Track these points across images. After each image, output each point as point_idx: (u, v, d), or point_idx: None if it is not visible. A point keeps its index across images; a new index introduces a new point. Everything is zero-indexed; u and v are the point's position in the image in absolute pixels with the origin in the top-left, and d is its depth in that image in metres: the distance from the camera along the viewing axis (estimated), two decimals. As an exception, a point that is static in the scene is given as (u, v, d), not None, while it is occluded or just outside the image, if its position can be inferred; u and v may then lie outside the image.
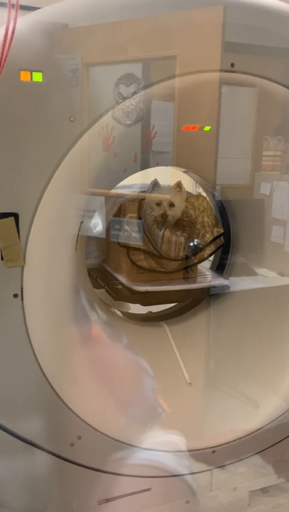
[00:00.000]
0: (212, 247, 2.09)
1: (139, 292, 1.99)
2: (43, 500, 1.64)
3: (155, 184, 1.98)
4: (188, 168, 2.01)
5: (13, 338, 1.48)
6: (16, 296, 1.45)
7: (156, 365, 1.84)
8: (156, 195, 1.97)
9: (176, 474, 1.79)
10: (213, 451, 1.84)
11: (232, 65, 1.53)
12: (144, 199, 2.00)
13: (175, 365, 1.98)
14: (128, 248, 2.00)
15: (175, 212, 1.99)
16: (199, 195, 2.10)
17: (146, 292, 2.00)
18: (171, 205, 1.96)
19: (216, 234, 2.07)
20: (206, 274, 2.20)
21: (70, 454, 1.62)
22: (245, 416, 1.90)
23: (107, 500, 1.71)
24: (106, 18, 1.39)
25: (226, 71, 1.53)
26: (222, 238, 2.10)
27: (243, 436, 1.86)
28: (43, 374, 1.53)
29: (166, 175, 1.99)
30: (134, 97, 1.46)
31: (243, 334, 2.03)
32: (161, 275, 2.05)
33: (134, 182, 2.03)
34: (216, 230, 2.07)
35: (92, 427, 1.63)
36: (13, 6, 1.18)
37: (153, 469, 1.75)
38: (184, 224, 2.04)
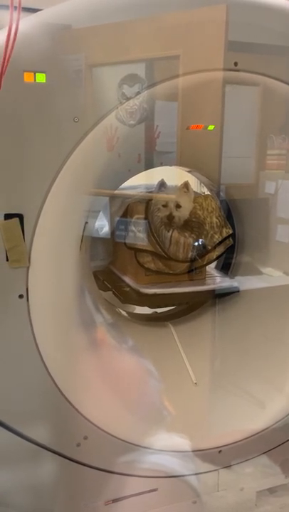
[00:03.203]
0: (221, 248, 2.07)
1: (147, 295, 1.98)
2: (49, 501, 1.64)
3: (162, 185, 1.97)
4: (193, 167, 2.00)
5: (18, 339, 1.48)
6: (21, 296, 1.45)
7: (162, 365, 1.84)
8: (162, 196, 1.96)
9: (182, 474, 1.79)
10: (220, 451, 1.83)
11: (235, 63, 1.53)
12: (151, 200, 2.00)
13: (181, 365, 1.98)
14: (135, 250, 2.00)
15: (182, 214, 1.98)
16: (207, 196, 2.09)
17: (155, 294, 1.99)
18: (178, 206, 1.96)
19: (224, 235, 2.05)
20: (214, 276, 2.19)
21: (77, 454, 1.62)
22: (252, 415, 1.89)
23: (114, 501, 1.71)
24: (109, 19, 1.39)
25: (230, 70, 1.53)
26: (231, 239, 2.09)
27: (250, 436, 1.85)
28: (48, 374, 1.53)
29: (171, 175, 1.99)
30: (137, 97, 1.46)
31: (249, 334, 2.02)
32: (170, 277, 2.04)
33: (140, 182, 2.03)
34: (224, 230, 2.06)
35: (99, 428, 1.63)
36: (15, 7, 1.19)
37: (159, 469, 1.75)
38: (192, 225, 2.03)
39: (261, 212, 2.04)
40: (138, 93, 1.45)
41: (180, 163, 1.93)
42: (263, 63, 1.56)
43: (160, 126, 1.65)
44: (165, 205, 1.95)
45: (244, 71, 1.55)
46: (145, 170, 1.78)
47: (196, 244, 2.01)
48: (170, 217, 1.95)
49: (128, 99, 1.45)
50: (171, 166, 1.92)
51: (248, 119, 1.77)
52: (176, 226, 1.98)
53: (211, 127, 1.70)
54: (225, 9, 1.45)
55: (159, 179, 1.96)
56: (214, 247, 2.05)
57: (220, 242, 2.06)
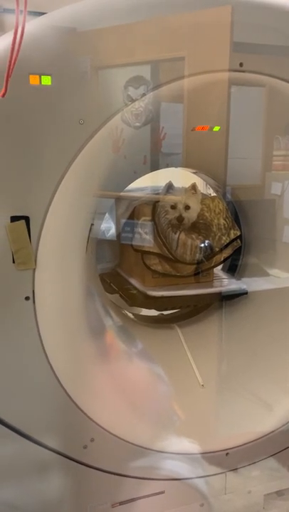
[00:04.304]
0: (229, 250, 2.07)
1: (154, 297, 1.98)
2: (56, 503, 1.64)
3: (170, 187, 1.98)
4: (198, 169, 2.00)
5: (25, 340, 1.49)
6: (27, 298, 1.46)
7: (169, 367, 1.84)
8: (170, 198, 1.96)
9: (189, 477, 1.79)
10: (227, 454, 1.82)
11: (241, 64, 1.53)
12: (158, 202, 2.00)
13: (187, 367, 1.97)
14: (142, 252, 1.99)
15: (191, 215, 1.97)
16: (215, 197, 2.09)
17: (162, 297, 1.99)
18: (187, 207, 1.95)
19: (232, 236, 2.04)
20: (221, 277, 2.18)
21: (83, 456, 1.62)
22: (259, 418, 1.88)
23: (121, 503, 1.70)
24: (114, 21, 1.39)
25: (235, 71, 1.53)
26: (239, 240, 2.08)
27: (257, 439, 1.84)
28: (55, 376, 1.53)
29: (176, 176, 1.99)
30: (143, 98, 1.46)
31: (256, 335, 2.01)
32: (177, 279, 2.04)
33: (146, 184, 2.03)
34: (232, 232, 2.05)
35: (105, 430, 1.63)
36: (21, 11, 1.19)
37: (166, 472, 1.75)
38: (199, 227, 2.02)
39: (268, 214, 2.03)
40: (143, 95, 1.46)
41: (186, 165, 1.93)
42: (268, 64, 1.56)
43: (166, 128, 1.65)
44: (174, 207, 1.95)
45: (250, 72, 1.55)
46: (151, 171, 1.78)
47: (204, 246, 2.00)
48: (180, 219, 1.94)
49: (133, 101, 1.45)
50: (176, 167, 1.92)
51: (254, 120, 1.77)
52: (184, 228, 1.98)
53: (216, 128, 1.70)
54: (230, 10, 1.45)
55: (166, 181, 1.96)
56: (222, 249, 2.04)
57: (227, 244, 2.05)
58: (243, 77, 1.55)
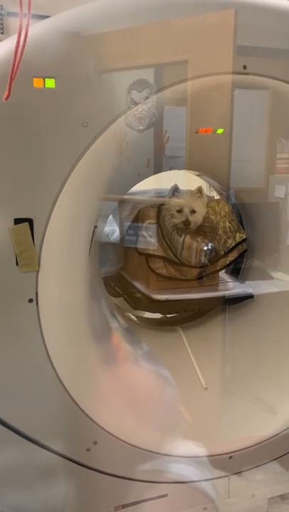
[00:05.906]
0: (234, 253, 2.06)
1: (159, 301, 1.98)
2: (59, 506, 1.64)
3: (175, 189, 1.97)
4: (202, 171, 2.00)
5: (28, 343, 1.49)
6: (31, 301, 1.46)
7: (172, 370, 1.83)
8: (176, 202, 1.95)
9: (193, 480, 1.78)
10: (230, 457, 1.81)
11: (244, 67, 1.52)
12: (162, 204, 1.99)
13: (191, 370, 1.97)
14: (147, 255, 1.99)
15: (197, 219, 1.98)
16: (220, 200, 2.09)
17: (167, 301, 1.98)
18: (193, 211, 1.95)
19: (238, 239, 2.04)
20: (226, 281, 2.18)
21: (86, 459, 1.62)
22: (263, 421, 1.87)
23: (124, 506, 1.70)
24: (118, 25, 1.40)
25: (239, 73, 1.53)
26: (244, 244, 2.08)
27: (261, 442, 1.83)
28: (58, 379, 1.53)
29: (180, 178, 1.99)
30: (146, 102, 1.46)
31: (260, 338, 2.01)
32: (182, 283, 2.03)
33: (151, 187, 2.02)
34: (238, 235, 2.04)
35: (108, 432, 1.63)
36: (25, 14, 1.20)
37: (170, 475, 1.74)
38: (204, 230, 2.02)
39: (271, 217, 2.02)
40: (147, 98, 1.46)
41: (189, 167, 1.93)
42: (272, 66, 1.56)
43: (169, 131, 1.65)
44: (180, 211, 1.94)
45: (253, 74, 1.55)
46: (154, 174, 1.78)
47: (209, 249, 1.99)
48: (186, 223, 1.94)
49: (137, 104, 1.45)
50: (180, 170, 1.92)
51: (257, 123, 1.76)
52: (189, 231, 1.97)
53: (220, 131, 1.70)
54: (233, 13, 1.45)
55: (170, 183, 1.96)
56: (227, 252, 2.03)
57: (233, 247, 2.04)
58: (246, 80, 1.55)
